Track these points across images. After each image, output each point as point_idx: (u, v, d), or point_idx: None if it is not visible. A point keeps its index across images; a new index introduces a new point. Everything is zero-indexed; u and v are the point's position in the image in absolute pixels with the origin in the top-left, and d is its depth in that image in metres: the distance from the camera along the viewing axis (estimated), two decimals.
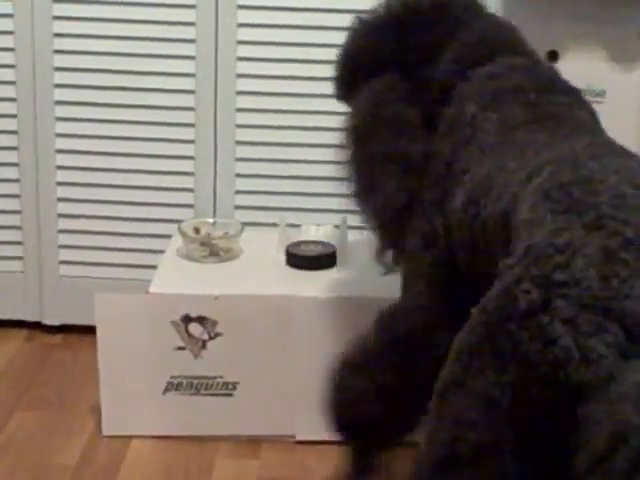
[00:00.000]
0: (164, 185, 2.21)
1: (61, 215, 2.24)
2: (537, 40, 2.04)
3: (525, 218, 1.06)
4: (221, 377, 1.87)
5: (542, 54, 2.05)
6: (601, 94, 2.06)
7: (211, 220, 2.13)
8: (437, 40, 1.56)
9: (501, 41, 1.57)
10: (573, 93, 1.48)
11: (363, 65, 1.63)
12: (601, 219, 0.98)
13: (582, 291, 0.92)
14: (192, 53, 2.13)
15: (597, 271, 0.93)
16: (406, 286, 1.49)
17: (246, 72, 2.14)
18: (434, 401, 1.07)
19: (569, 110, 1.42)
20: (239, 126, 2.17)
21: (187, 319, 1.85)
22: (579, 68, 2.05)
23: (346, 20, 2.09)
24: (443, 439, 1.03)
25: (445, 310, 1.40)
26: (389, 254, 1.61)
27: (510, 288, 0.97)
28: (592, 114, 1.48)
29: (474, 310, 1.03)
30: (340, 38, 2.09)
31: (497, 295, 0.99)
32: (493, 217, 1.19)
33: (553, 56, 2.05)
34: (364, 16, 1.65)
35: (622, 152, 1.24)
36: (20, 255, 2.28)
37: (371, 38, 1.63)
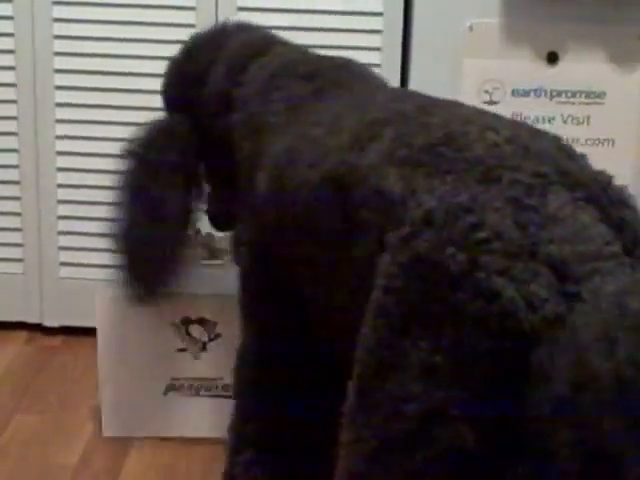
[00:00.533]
0: None
1: (61, 217, 2.24)
2: (537, 41, 2.05)
3: (400, 190, 1.04)
4: (221, 379, 1.87)
5: (542, 55, 2.05)
6: (601, 95, 2.07)
7: None
8: (206, 67, 1.63)
9: (263, 42, 1.63)
10: (350, 64, 1.52)
11: (165, 103, 1.72)
12: (492, 171, 0.99)
13: (505, 243, 0.93)
14: None
15: (513, 222, 0.94)
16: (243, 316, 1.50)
17: None
18: (353, 400, 1.05)
19: (350, 75, 1.46)
20: None
21: (187, 321, 1.85)
22: (579, 69, 2.06)
23: (345, 22, 2.10)
24: (376, 424, 1.01)
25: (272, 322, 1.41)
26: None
27: (427, 256, 0.96)
28: (376, 76, 1.53)
29: (375, 293, 1.02)
30: (341, 39, 2.10)
31: (409, 268, 0.98)
32: (310, 184, 1.20)
33: (553, 57, 2.05)
34: (175, 55, 1.74)
35: (435, 100, 1.25)
36: (20, 257, 2.28)
37: (167, 79, 1.72)
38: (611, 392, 0.83)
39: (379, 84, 1.49)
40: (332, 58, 1.55)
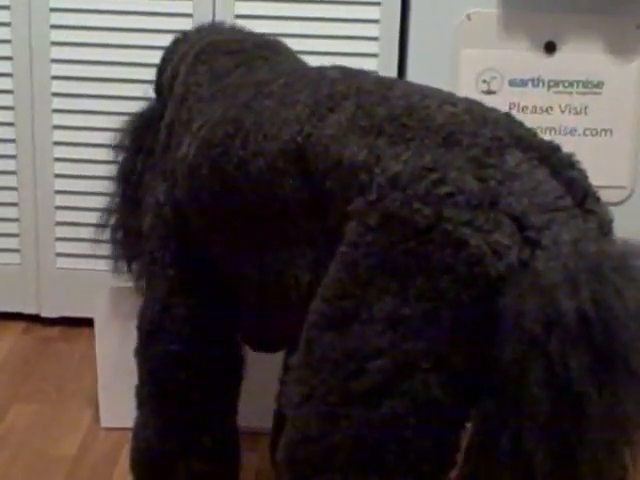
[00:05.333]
0: None
1: (58, 207, 2.24)
2: (535, 31, 2.05)
3: (363, 157, 1.07)
4: None
5: (540, 45, 2.05)
6: (599, 85, 2.06)
7: None
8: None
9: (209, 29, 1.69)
10: (274, 43, 1.57)
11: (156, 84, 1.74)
12: (453, 136, 1.04)
13: (468, 196, 0.98)
14: None
15: (474, 177, 1.00)
16: (148, 276, 1.54)
17: None
18: (304, 353, 1.07)
19: (272, 52, 1.51)
20: None
21: None
22: (577, 60, 2.05)
23: (343, 11, 2.10)
24: (334, 382, 1.03)
25: (187, 287, 1.46)
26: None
27: (394, 214, 1.00)
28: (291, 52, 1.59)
29: (341, 249, 1.05)
30: (339, 29, 2.10)
31: (377, 227, 1.01)
32: (267, 154, 1.21)
33: (551, 47, 2.05)
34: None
35: (388, 77, 1.30)
36: (17, 247, 2.28)
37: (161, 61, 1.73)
38: (576, 329, 0.90)
39: (303, 62, 1.56)
40: (257, 36, 1.60)
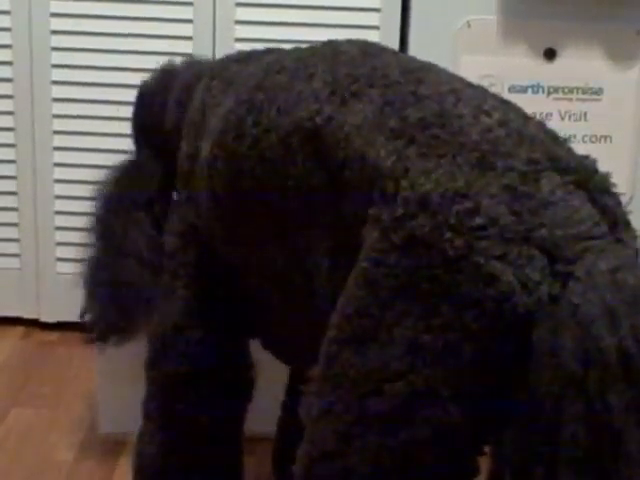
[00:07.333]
0: None
1: (58, 212, 2.24)
2: (534, 38, 2.05)
3: (391, 164, 1.03)
4: None
5: (540, 52, 2.05)
6: (598, 92, 2.07)
7: None
8: (160, 113, 1.62)
9: (207, 68, 1.60)
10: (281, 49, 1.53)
11: (135, 136, 1.70)
12: (487, 158, 1.00)
13: (501, 229, 0.95)
14: (189, 50, 2.13)
15: (507, 208, 0.96)
16: (165, 293, 1.51)
17: None
18: (324, 367, 1.05)
19: (283, 51, 1.45)
20: None
21: None
22: (577, 66, 2.05)
23: (342, 18, 2.10)
24: (351, 400, 1.01)
25: (204, 308, 1.46)
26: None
27: (423, 238, 0.97)
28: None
29: (362, 264, 1.02)
30: (338, 35, 2.09)
31: (403, 247, 0.99)
32: (280, 129, 1.18)
33: (550, 54, 2.05)
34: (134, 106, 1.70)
35: (408, 61, 1.24)
36: (17, 252, 2.28)
37: (132, 127, 1.70)
38: (617, 367, 0.88)
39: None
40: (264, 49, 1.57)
